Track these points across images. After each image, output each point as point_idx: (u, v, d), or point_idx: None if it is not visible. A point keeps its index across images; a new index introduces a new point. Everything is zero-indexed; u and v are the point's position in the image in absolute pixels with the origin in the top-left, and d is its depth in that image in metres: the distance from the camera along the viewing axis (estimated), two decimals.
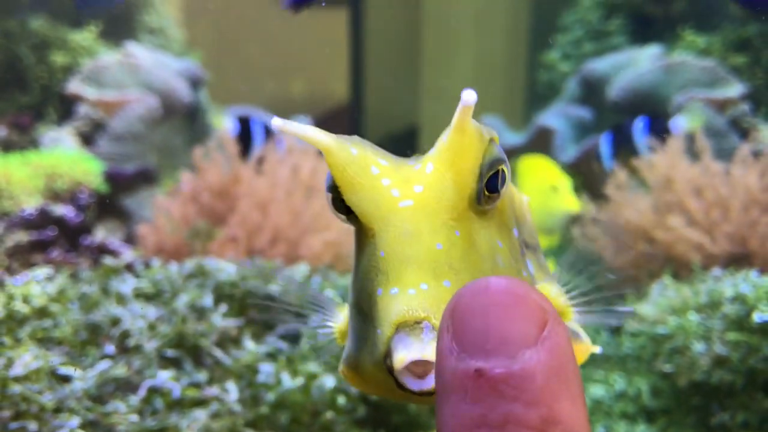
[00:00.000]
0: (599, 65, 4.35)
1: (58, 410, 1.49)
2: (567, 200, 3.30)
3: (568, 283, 0.74)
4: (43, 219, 2.69)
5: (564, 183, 3.32)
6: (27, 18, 4.16)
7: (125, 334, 1.74)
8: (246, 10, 6.05)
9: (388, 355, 0.55)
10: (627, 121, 3.65)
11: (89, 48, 4.22)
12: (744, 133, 3.63)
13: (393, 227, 0.58)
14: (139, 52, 4.14)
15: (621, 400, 2.39)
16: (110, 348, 1.73)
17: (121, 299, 1.90)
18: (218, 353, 1.74)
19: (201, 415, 1.56)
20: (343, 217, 0.63)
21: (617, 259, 2.99)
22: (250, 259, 2.30)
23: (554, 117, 4.29)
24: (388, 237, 0.58)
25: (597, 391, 2.43)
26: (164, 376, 1.61)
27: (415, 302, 0.56)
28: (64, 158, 3.01)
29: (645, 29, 4.65)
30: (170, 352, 1.71)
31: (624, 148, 3.53)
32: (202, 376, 1.67)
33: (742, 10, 2.97)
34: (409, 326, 0.55)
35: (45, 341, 1.73)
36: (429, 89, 5.99)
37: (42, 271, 2.04)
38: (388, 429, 1.84)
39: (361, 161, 0.59)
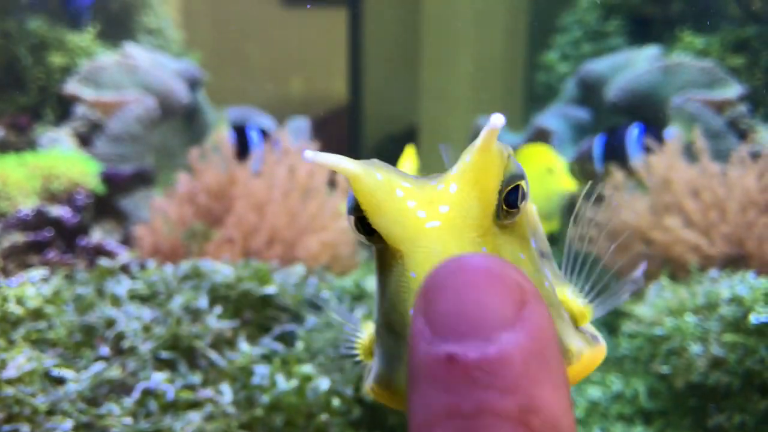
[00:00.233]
0: (597, 66, 4.34)
1: (51, 413, 1.49)
2: (563, 181, 3.29)
3: (576, 283, 0.74)
4: (39, 220, 2.69)
5: (559, 164, 3.31)
6: (25, 18, 4.16)
7: (120, 336, 1.74)
8: (245, 10, 6.05)
9: None
10: (623, 125, 3.66)
11: (87, 49, 4.21)
12: (742, 134, 3.63)
13: (422, 248, 0.59)
14: (137, 52, 4.13)
15: (618, 401, 2.39)
16: (105, 350, 1.72)
17: (116, 301, 1.89)
18: (213, 355, 1.74)
19: (195, 417, 1.56)
20: (365, 238, 0.64)
21: (614, 260, 2.98)
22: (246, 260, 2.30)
23: (552, 118, 4.29)
24: (417, 258, 0.59)
25: (594, 392, 2.43)
26: (158, 378, 1.61)
27: None
28: (61, 159, 3.01)
29: (643, 30, 4.65)
30: (165, 354, 1.71)
31: (615, 152, 3.54)
32: (196, 378, 1.67)
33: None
34: None
35: (39, 343, 1.72)
36: (428, 90, 5.99)
37: (37, 273, 2.03)
38: (384, 431, 1.84)
39: (387, 185, 0.61)
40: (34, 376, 1.55)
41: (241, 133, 3.61)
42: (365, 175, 0.61)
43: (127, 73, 3.95)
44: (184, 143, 4.15)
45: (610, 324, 2.67)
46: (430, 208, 0.60)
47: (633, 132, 3.57)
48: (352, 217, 0.64)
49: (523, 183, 0.63)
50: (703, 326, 2.18)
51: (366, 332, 0.82)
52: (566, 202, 3.30)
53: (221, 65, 5.54)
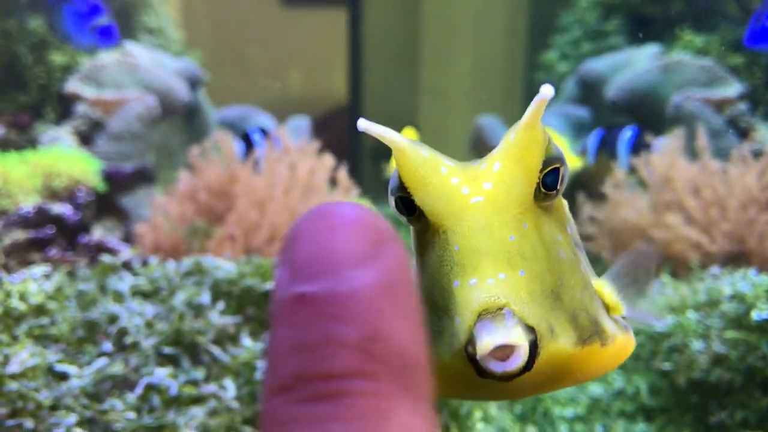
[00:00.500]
0: (597, 65, 4.35)
1: (54, 408, 1.49)
2: (567, 158, 3.30)
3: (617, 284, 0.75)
4: (40, 217, 2.69)
5: (561, 143, 3.31)
6: (25, 18, 4.16)
7: (122, 332, 1.74)
8: (245, 10, 6.06)
9: (470, 342, 0.57)
10: (620, 125, 3.68)
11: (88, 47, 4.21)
12: (742, 133, 3.64)
13: (466, 222, 0.60)
14: (137, 51, 4.13)
15: (619, 398, 2.39)
16: (107, 345, 1.72)
17: (118, 297, 1.90)
18: (216, 351, 1.74)
19: (198, 412, 1.56)
20: (406, 218, 0.65)
21: (615, 258, 2.99)
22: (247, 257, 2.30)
23: (552, 117, 4.29)
24: (462, 232, 0.60)
25: (595, 389, 2.43)
26: (161, 374, 1.61)
27: (496, 290, 0.58)
28: (62, 157, 3.01)
29: (643, 29, 4.65)
30: (168, 350, 1.71)
31: (607, 150, 3.56)
32: (199, 373, 1.67)
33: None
34: (492, 313, 0.57)
35: (42, 339, 1.72)
36: (428, 89, 6.00)
37: (39, 269, 2.03)
38: None
39: (432, 162, 0.62)
40: (38, 372, 1.55)
41: (246, 138, 3.63)
42: (411, 149, 0.62)
43: (128, 72, 3.95)
44: (184, 142, 4.15)
45: None
46: (474, 185, 0.61)
47: (626, 134, 3.59)
48: (393, 198, 0.65)
49: (562, 167, 0.64)
50: (704, 323, 2.19)
51: None
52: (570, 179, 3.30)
53: (221, 64, 5.55)
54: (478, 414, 1.97)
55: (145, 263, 2.20)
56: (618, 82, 4.04)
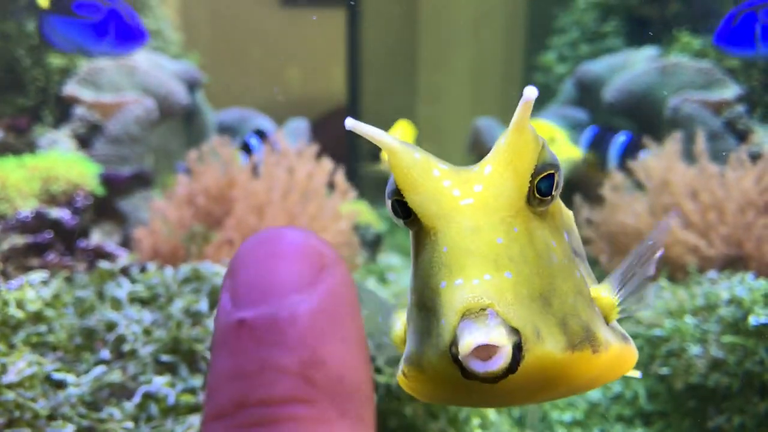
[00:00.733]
0: (595, 67, 4.35)
1: (52, 417, 1.49)
2: (567, 149, 3.27)
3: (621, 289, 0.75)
4: (39, 222, 2.69)
5: (560, 134, 3.30)
6: (24, 20, 4.15)
7: (120, 339, 1.74)
8: (243, 11, 6.05)
9: (453, 342, 0.57)
10: (614, 129, 3.68)
11: None
12: (740, 135, 3.64)
13: (455, 224, 0.61)
14: (136, 54, 4.13)
15: (617, 402, 2.39)
16: (105, 353, 1.72)
17: (116, 304, 1.89)
18: None
19: (196, 420, 1.56)
20: (402, 221, 0.66)
21: (613, 262, 2.99)
22: None
23: (550, 118, 4.29)
24: (450, 233, 0.61)
25: (593, 393, 2.43)
26: (159, 382, 1.61)
27: (479, 291, 0.58)
28: (60, 161, 3.00)
29: (641, 31, 4.65)
30: (166, 358, 1.71)
31: (597, 150, 3.55)
32: (197, 381, 1.67)
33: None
34: (474, 313, 0.57)
35: (39, 347, 1.72)
36: (426, 91, 6.00)
37: (37, 276, 2.03)
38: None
39: (424, 164, 0.63)
40: (35, 381, 1.55)
41: (245, 147, 3.62)
42: (403, 151, 0.63)
43: (126, 75, 3.95)
44: (183, 145, 4.15)
45: None
46: (464, 187, 0.62)
47: (618, 138, 3.60)
48: (390, 201, 0.65)
49: (557, 173, 0.64)
50: (702, 327, 2.19)
51: (400, 322, 0.82)
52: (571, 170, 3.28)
53: (220, 66, 5.54)
54: (476, 420, 1.97)
55: (143, 269, 2.20)
56: (615, 84, 4.04)
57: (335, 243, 2.86)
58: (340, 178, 3.11)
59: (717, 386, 2.11)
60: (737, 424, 2.09)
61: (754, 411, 2.07)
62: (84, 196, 3.00)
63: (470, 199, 0.62)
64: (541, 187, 0.64)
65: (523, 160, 0.62)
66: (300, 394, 0.38)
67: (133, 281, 2.06)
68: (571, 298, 0.64)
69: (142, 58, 4.11)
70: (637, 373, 0.85)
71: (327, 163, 3.06)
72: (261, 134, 3.72)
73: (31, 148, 3.53)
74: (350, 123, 0.63)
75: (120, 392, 1.63)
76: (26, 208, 2.76)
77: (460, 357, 0.57)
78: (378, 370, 1.77)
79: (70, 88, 3.81)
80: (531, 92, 0.60)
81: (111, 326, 1.78)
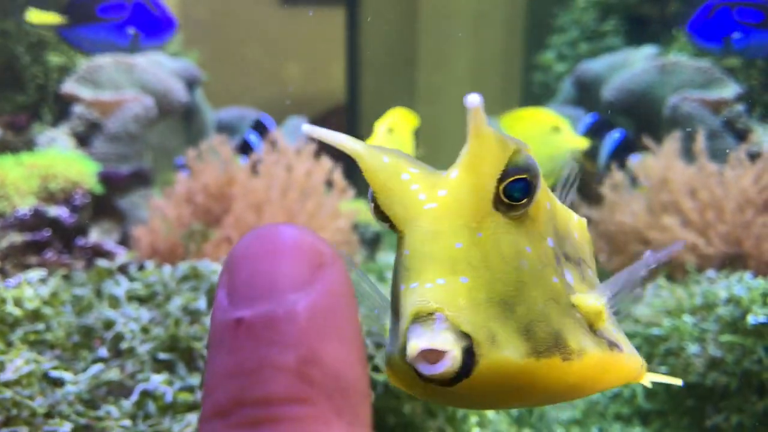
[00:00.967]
0: (594, 66, 4.35)
1: (49, 415, 1.49)
2: (572, 139, 3.25)
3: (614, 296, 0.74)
4: (37, 220, 2.69)
5: (564, 123, 3.28)
6: (23, 18, 4.15)
7: (118, 337, 1.74)
8: (243, 10, 6.05)
9: (405, 345, 0.58)
10: (613, 125, 3.68)
11: None
12: (739, 134, 3.64)
13: (418, 228, 0.61)
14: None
15: (616, 401, 2.39)
16: (103, 351, 1.72)
17: (114, 302, 1.89)
18: None
19: (194, 419, 1.55)
20: (385, 224, 0.66)
21: (611, 261, 2.99)
22: None
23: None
24: (413, 237, 0.61)
25: None
26: (157, 380, 1.61)
27: (429, 295, 0.58)
28: (59, 159, 3.00)
29: (640, 30, 4.65)
30: (163, 356, 1.70)
31: (593, 138, 3.54)
32: (195, 379, 1.67)
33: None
34: (423, 317, 0.58)
35: (37, 345, 1.72)
36: (425, 90, 5.99)
37: (35, 274, 2.03)
38: (383, 431, 1.84)
39: (393, 168, 0.63)
40: (32, 379, 1.55)
41: (245, 146, 3.61)
42: (370, 155, 0.63)
43: (125, 73, 3.95)
44: (182, 143, 4.15)
45: None
46: (430, 192, 0.62)
47: (613, 135, 3.59)
48: (372, 204, 0.65)
49: (531, 177, 0.63)
50: (700, 326, 2.19)
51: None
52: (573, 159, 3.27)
53: (219, 65, 5.54)
54: (473, 419, 1.97)
55: (141, 268, 2.20)
56: (615, 83, 4.04)
57: (334, 241, 2.86)
58: (339, 176, 3.11)
59: (715, 385, 2.11)
60: (735, 423, 2.09)
61: (752, 410, 2.07)
62: (82, 194, 3.00)
63: (434, 204, 0.61)
64: (511, 191, 0.62)
65: (486, 165, 0.62)
66: (298, 392, 0.38)
67: (131, 279, 2.06)
68: (541, 304, 0.63)
69: (140, 56, 4.10)
70: (648, 382, 0.84)
71: (326, 162, 3.06)
72: (260, 127, 3.70)
73: (29, 146, 3.53)
74: (307, 129, 0.63)
75: (118, 390, 1.63)
76: (25, 205, 2.76)
77: (407, 360, 0.57)
78: (377, 369, 1.77)
79: (69, 86, 3.81)
80: (474, 99, 0.59)
81: (109, 324, 1.78)
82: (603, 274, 0.79)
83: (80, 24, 3.00)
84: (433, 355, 0.56)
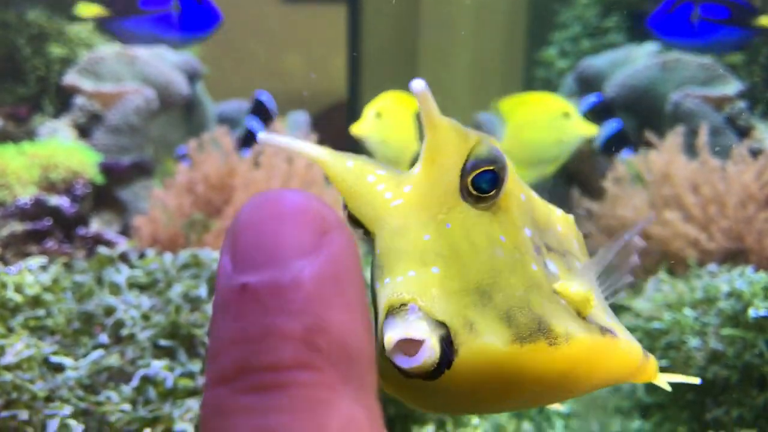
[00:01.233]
0: (596, 62, 4.34)
1: (49, 399, 1.48)
2: (581, 125, 3.24)
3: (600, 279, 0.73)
4: (38, 209, 2.68)
5: (574, 110, 3.27)
6: (24, 9, 4.15)
7: (119, 324, 1.74)
8: (245, 5, 6.04)
9: (383, 341, 0.57)
10: (612, 113, 3.67)
11: (87, 40, 4.20)
12: (741, 132, 3.64)
13: (386, 226, 0.61)
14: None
15: (616, 394, 2.39)
16: (103, 337, 1.72)
17: (115, 289, 1.89)
18: None
19: (195, 404, 1.55)
20: (359, 230, 0.65)
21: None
22: None
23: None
24: (382, 235, 0.61)
25: None
26: (157, 366, 1.60)
27: (400, 287, 0.58)
28: (60, 148, 3.00)
29: (642, 26, 4.65)
30: (164, 342, 1.70)
31: (592, 117, 3.53)
32: (195, 366, 1.67)
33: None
34: (396, 309, 0.57)
35: (37, 330, 1.72)
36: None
37: (35, 261, 2.03)
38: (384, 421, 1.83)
39: (358, 171, 0.63)
40: (33, 363, 1.54)
41: (248, 137, 3.59)
42: (333, 160, 0.63)
43: (127, 65, 3.95)
44: (182, 135, 4.14)
45: None
46: (396, 190, 0.62)
47: (610, 125, 3.58)
48: (345, 212, 0.65)
49: (496, 168, 0.62)
50: (701, 320, 2.19)
51: None
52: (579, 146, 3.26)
53: (221, 59, 5.53)
54: None
55: (142, 255, 2.19)
56: (617, 79, 4.04)
57: None
58: None
59: (716, 378, 2.10)
60: (735, 417, 2.08)
61: (752, 403, 2.07)
62: (83, 184, 3.00)
63: (400, 200, 0.61)
64: (479, 183, 0.62)
65: (445, 156, 0.61)
66: (304, 359, 0.38)
67: (132, 267, 2.06)
68: (520, 291, 0.62)
69: (142, 48, 4.10)
70: (665, 384, 0.83)
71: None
72: (259, 108, 3.66)
73: (30, 137, 3.53)
74: (263, 137, 0.63)
75: (118, 376, 1.62)
76: (25, 195, 2.75)
77: (386, 354, 0.56)
78: None
79: (71, 78, 3.81)
80: (418, 85, 0.59)
81: (109, 311, 1.77)
82: None
83: (124, 16, 3.01)
84: (411, 348, 0.55)
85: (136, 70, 3.95)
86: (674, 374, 0.87)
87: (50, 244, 2.59)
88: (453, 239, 0.61)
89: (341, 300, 0.40)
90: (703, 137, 2.97)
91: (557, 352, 0.62)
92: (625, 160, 3.27)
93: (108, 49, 4.00)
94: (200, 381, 1.62)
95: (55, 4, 4.29)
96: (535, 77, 5.34)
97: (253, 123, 3.63)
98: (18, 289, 1.79)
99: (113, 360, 1.63)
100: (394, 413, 1.87)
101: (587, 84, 4.36)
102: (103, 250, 2.16)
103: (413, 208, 0.61)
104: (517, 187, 0.68)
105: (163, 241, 2.68)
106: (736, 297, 2.15)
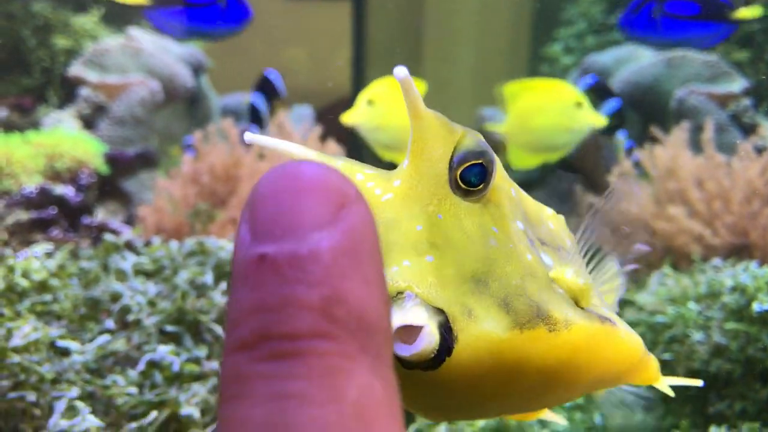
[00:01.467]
0: (601, 59, 4.34)
1: (56, 381, 1.49)
2: (592, 116, 3.23)
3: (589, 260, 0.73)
4: (43, 198, 2.69)
5: (586, 100, 3.26)
6: (29, 1, 4.15)
7: (125, 310, 1.74)
8: (250, 0, 6.04)
9: None
10: (609, 92, 3.66)
11: (92, 31, 4.21)
12: (745, 129, 3.63)
13: (378, 220, 0.61)
14: (141, 36, 4.13)
15: (618, 388, 2.39)
16: (110, 323, 1.72)
17: (121, 275, 1.89)
18: (218, 329, 1.74)
19: (200, 389, 1.56)
20: None
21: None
22: None
23: None
24: None
25: None
26: (164, 351, 1.61)
27: (396, 276, 0.58)
28: (65, 138, 3.00)
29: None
30: (170, 328, 1.71)
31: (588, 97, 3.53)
32: (201, 351, 1.67)
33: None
34: (393, 297, 0.57)
35: (44, 315, 1.72)
36: (431, 82, 5.98)
37: (41, 248, 2.03)
38: None
39: (346, 170, 0.63)
40: (40, 346, 1.55)
41: (254, 116, 3.57)
42: (321, 160, 0.62)
43: (132, 57, 3.95)
44: (187, 128, 4.15)
45: None
46: (385, 185, 0.62)
47: (610, 103, 3.58)
48: None
49: (484, 161, 0.62)
50: (705, 314, 2.19)
51: None
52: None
53: (225, 53, 5.53)
54: None
55: (147, 243, 2.20)
56: (622, 76, 4.04)
57: None
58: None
59: (719, 372, 2.11)
60: (738, 410, 2.09)
61: (755, 397, 2.07)
62: (88, 173, 3.00)
63: (390, 194, 0.62)
64: (468, 176, 0.62)
65: (432, 148, 0.62)
66: (322, 329, 0.38)
67: (138, 254, 2.06)
68: (517, 279, 0.62)
69: (147, 40, 4.11)
70: (667, 388, 0.83)
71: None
72: (266, 86, 3.64)
73: (35, 127, 3.53)
74: (249, 137, 0.63)
75: (124, 361, 1.63)
76: (31, 184, 2.76)
77: None
78: None
79: (76, 69, 3.81)
80: (400, 72, 0.58)
81: (116, 297, 1.78)
82: None
83: (164, 6, 3.01)
84: (410, 336, 0.55)
85: (141, 62, 3.95)
86: (677, 377, 0.86)
87: (55, 232, 2.59)
88: (446, 229, 0.61)
89: (359, 272, 0.40)
90: (708, 132, 2.96)
91: (557, 339, 0.62)
92: (635, 157, 3.27)
93: (113, 41, 4.01)
94: (206, 366, 1.63)
95: None
96: (539, 74, 5.33)
97: (259, 101, 3.60)
98: (25, 274, 1.80)
99: (119, 345, 1.64)
100: None
101: None
102: (109, 237, 2.16)
103: (404, 201, 0.61)
104: (506, 182, 0.68)
105: (167, 231, 2.68)
106: (740, 291, 2.15)
